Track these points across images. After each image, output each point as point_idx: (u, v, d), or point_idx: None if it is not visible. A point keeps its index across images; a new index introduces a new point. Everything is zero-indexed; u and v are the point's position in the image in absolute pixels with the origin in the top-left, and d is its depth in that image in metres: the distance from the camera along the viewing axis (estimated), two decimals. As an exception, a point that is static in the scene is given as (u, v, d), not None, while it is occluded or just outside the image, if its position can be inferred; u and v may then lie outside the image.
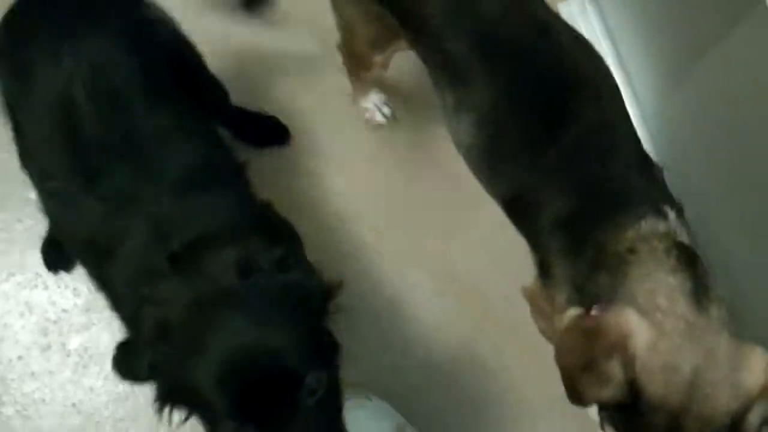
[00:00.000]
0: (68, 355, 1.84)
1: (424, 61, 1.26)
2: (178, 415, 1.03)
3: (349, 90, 1.83)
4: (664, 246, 0.91)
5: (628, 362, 0.78)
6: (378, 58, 1.47)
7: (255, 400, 0.91)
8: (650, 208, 1.00)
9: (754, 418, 0.82)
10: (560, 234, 1.06)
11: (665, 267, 0.87)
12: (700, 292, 0.84)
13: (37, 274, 1.89)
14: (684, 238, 0.98)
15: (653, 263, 0.88)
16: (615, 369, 0.78)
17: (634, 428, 0.80)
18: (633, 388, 0.79)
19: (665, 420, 0.78)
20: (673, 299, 0.82)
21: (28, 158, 1.31)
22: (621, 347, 0.79)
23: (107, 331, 1.83)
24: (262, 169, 1.50)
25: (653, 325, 0.79)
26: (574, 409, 0.95)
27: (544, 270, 1.12)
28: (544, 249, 1.10)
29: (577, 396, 0.84)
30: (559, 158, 1.08)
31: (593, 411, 0.96)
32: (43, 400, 1.81)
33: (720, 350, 0.81)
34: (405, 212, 1.88)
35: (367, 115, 1.81)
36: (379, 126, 1.84)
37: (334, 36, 1.61)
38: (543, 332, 1.27)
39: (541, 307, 1.22)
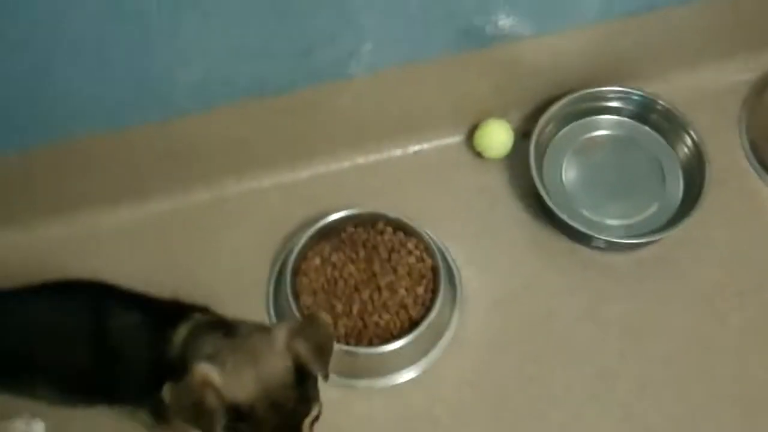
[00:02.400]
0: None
1: None
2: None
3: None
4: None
5: (217, 393, 1.06)
6: None
7: None
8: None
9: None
10: None
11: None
12: (227, 333, 1.17)
13: None
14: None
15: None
16: (213, 402, 1.05)
17: (254, 428, 1.08)
18: (232, 407, 1.08)
19: (262, 408, 1.09)
20: (218, 345, 1.14)
21: None
22: (207, 386, 1.08)
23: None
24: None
25: (218, 362, 1.10)
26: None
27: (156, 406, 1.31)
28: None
29: None
30: None
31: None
32: None
33: (256, 347, 1.13)
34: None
35: None
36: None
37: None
38: None
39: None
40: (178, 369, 1.18)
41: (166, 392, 1.12)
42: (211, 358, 1.13)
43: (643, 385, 1.67)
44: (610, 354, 1.70)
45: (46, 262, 1.73)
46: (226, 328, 1.21)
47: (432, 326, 1.63)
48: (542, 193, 1.76)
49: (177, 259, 1.78)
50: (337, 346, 1.37)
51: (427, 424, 1.62)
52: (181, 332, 1.23)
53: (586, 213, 1.81)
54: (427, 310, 1.64)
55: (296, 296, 1.65)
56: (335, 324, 1.64)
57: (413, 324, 1.63)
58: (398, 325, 1.64)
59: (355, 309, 1.65)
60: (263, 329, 1.19)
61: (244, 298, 1.72)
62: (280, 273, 1.72)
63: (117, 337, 1.28)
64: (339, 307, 1.65)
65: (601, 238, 1.75)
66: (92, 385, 1.33)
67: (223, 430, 1.11)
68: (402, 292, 1.66)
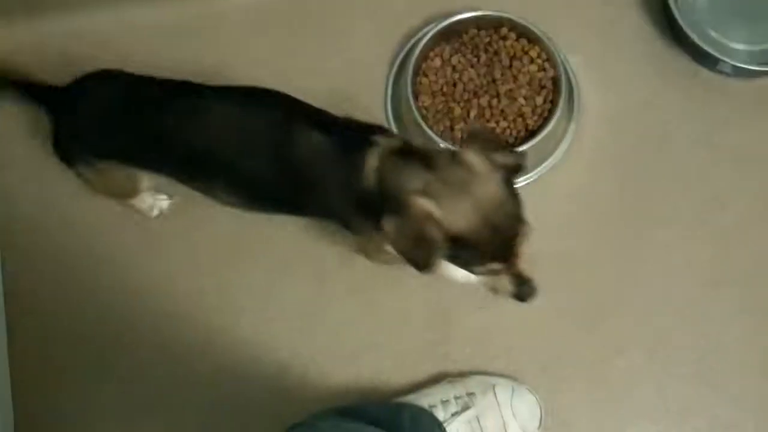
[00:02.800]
0: None
1: None
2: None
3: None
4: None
5: (439, 227, 1.13)
6: None
7: None
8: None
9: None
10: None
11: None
12: (426, 164, 1.19)
13: None
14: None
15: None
16: (435, 235, 1.12)
17: (475, 254, 1.15)
18: (454, 237, 1.14)
19: (483, 233, 1.15)
20: (424, 178, 1.17)
21: None
22: (428, 220, 1.14)
23: None
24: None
25: (432, 195, 1.15)
26: None
27: (353, 228, 1.39)
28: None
29: (425, 264, 1.17)
30: None
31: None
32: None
33: (461, 175, 1.16)
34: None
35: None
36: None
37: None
38: (383, 261, 1.54)
39: (371, 252, 1.51)
40: (376, 198, 1.23)
41: (387, 225, 1.18)
42: (426, 193, 1.16)
43: (750, 217, 1.67)
44: (721, 181, 1.69)
45: (168, 45, 1.73)
46: (420, 158, 1.21)
47: (548, 137, 1.62)
48: (672, 8, 1.69)
49: (297, 50, 1.76)
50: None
51: (536, 231, 1.64)
52: (372, 161, 1.24)
53: (713, 34, 1.74)
54: (545, 120, 1.63)
55: (416, 96, 1.64)
56: (452, 128, 1.64)
57: (529, 133, 1.62)
58: (515, 133, 1.63)
59: (473, 114, 1.64)
60: (456, 155, 1.19)
61: (362, 92, 1.71)
62: (400, 71, 1.70)
63: (304, 154, 1.29)
64: (457, 111, 1.64)
65: (726, 62, 1.69)
66: (277, 196, 1.37)
67: (444, 257, 1.17)
68: (521, 100, 1.64)
